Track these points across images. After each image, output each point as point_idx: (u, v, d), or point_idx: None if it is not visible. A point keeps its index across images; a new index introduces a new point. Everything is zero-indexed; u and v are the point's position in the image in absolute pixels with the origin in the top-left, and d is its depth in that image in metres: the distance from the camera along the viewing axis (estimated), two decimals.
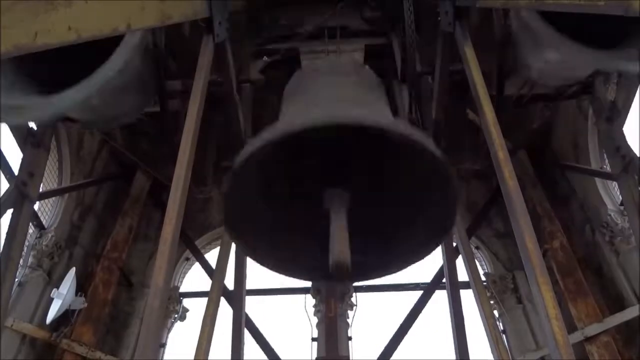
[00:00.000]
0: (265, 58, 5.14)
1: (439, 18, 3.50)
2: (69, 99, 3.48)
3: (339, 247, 2.42)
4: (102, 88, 3.57)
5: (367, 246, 2.95)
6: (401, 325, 6.98)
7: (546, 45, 3.83)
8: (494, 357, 4.02)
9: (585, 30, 3.61)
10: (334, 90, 3.69)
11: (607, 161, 6.38)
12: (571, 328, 5.99)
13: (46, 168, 5.96)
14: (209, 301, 3.71)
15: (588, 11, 1.84)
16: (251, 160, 2.58)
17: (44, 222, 6.62)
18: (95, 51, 3.45)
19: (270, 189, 2.98)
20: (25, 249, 5.88)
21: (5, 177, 5.32)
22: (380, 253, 3.05)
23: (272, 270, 3.15)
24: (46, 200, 6.69)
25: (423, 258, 3.01)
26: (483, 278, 7.06)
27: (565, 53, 3.77)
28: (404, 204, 2.94)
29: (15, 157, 5.47)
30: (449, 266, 4.24)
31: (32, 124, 5.64)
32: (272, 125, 2.61)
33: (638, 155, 4.69)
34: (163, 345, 7.40)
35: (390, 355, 6.78)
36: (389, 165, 2.95)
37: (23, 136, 5.45)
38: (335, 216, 2.62)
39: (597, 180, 6.67)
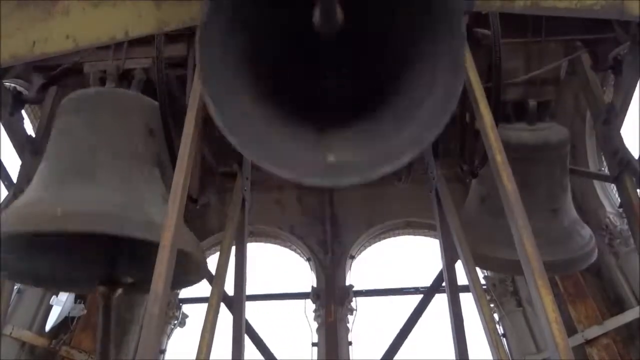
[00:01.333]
0: None
1: None
2: None
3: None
4: None
5: (360, 142, 2.67)
6: (401, 330, 6.96)
7: None
8: None
9: None
10: None
11: (605, 163, 6.40)
12: (571, 331, 5.99)
13: None
14: (208, 307, 3.69)
15: (584, 15, 1.85)
16: None
17: None
18: None
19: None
20: None
21: (4, 184, 5.32)
22: (376, 149, 2.71)
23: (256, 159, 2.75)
24: None
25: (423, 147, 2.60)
26: (483, 281, 7.07)
27: None
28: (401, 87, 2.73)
29: (13, 165, 5.47)
30: (448, 270, 4.23)
31: (30, 131, 5.64)
32: None
33: (636, 158, 4.69)
34: (163, 352, 7.39)
35: None
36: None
37: (22, 143, 5.45)
38: None
39: (596, 183, 6.68)
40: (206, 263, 3.98)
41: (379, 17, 2.81)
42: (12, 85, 5.34)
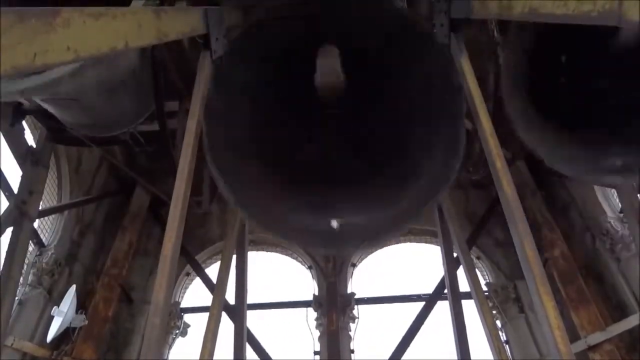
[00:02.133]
0: None
1: (435, 30, 3.53)
2: (58, 70, 3.46)
3: (328, 62, 2.13)
4: (95, 69, 3.49)
5: (365, 206, 2.71)
6: (403, 337, 6.95)
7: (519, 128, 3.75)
8: None
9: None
10: None
11: None
12: (574, 337, 5.97)
13: (45, 185, 5.98)
14: (210, 316, 3.69)
15: (581, 22, 1.86)
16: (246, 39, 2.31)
17: (43, 240, 6.62)
18: None
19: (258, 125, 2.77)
20: (25, 266, 5.87)
21: (5, 195, 5.34)
22: (381, 213, 2.77)
23: (264, 228, 2.79)
24: (46, 218, 6.70)
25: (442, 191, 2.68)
26: (485, 288, 7.05)
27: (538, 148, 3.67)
28: (403, 150, 2.75)
29: (14, 176, 5.49)
30: (450, 277, 4.23)
31: (31, 143, 5.66)
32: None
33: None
34: None
35: None
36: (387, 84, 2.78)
37: (22, 154, 5.47)
38: (324, 51, 2.38)
39: (597, 188, 6.68)
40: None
41: (378, 83, 2.84)
42: None
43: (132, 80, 4.30)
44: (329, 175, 2.77)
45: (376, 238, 2.60)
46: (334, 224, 2.50)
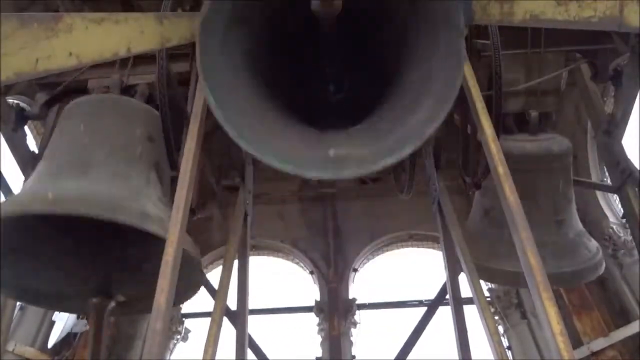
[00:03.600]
0: None
1: None
2: None
3: None
4: None
5: (361, 136, 2.63)
6: (405, 343, 6.92)
7: None
8: None
9: None
10: None
11: (607, 174, 6.40)
12: (577, 343, 5.95)
13: None
14: (211, 321, 3.68)
15: (582, 27, 1.86)
16: None
17: None
18: None
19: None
20: None
21: (7, 199, 5.33)
22: (377, 142, 2.62)
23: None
24: None
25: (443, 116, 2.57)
26: (487, 294, 7.03)
27: None
28: (401, 84, 2.75)
29: (17, 181, 5.49)
30: (452, 282, 4.21)
31: (33, 147, 5.66)
32: None
33: (638, 168, 4.69)
34: None
35: None
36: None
37: (24, 159, 5.47)
38: None
39: (598, 194, 6.67)
40: (203, 273, 3.97)
41: (377, 9, 2.81)
42: (16, 101, 5.38)
43: None
44: (324, 109, 2.73)
45: (373, 163, 2.45)
46: (332, 152, 2.44)
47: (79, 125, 3.45)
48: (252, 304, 4.43)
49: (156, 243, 2.92)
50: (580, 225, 4.70)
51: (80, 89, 4.35)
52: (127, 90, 4.22)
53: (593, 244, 4.63)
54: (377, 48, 2.91)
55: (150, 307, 2.11)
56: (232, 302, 4.30)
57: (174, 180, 3.00)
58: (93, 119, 3.52)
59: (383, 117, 2.72)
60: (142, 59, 4.04)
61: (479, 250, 4.27)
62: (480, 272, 3.93)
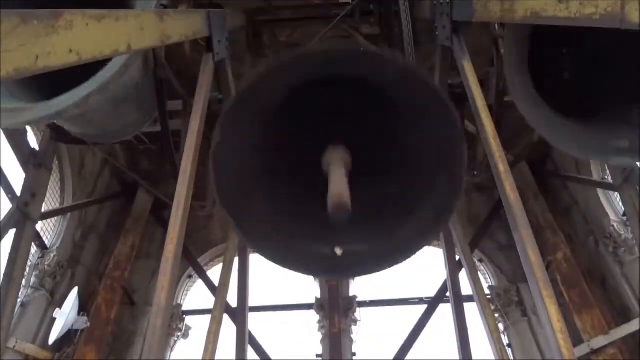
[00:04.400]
0: None
1: (437, 33, 3.53)
2: (64, 101, 3.47)
3: (337, 187, 2.26)
4: (99, 94, 3.55)
5: (371, 234, 2.81)
6: (406, 340, 6.94)
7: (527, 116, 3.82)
8: None
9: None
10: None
11: (608, 172, 6.39)
12: (577, 341, 5.95)
13: (48, 188, 5.98)
14: (212, 318, 3.69)
15: (583, 24, 1.86)
16: (245, 97, 2.43)
17: (46, 242, 6.62)
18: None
19: (266, 164, 2.84)
20: (27, 269, 5.88)
21: (8, 197, 5.34)
22: (388, 238, 2.90)
23: (274, 262, 2.96)
24: (48, 220, 6.70)
25: (436, 234, 2.80)
26: (487, 291, 7.03)
27: (546, 132, 3.77)
28: (407, 174, 2.85)
29: (17, 178, 5.50)
30: (453, 280, 4.21)
31: (34, 145, 5.67)
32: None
33: (639, 166, 4.69)
34: None
35: None
36: (388, 123, 2.86)
37: (25, 157, 5.48)
38: (333, 167, 2.50)
39: (599, 191, 6.67)
40: None
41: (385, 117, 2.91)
42: None
43: (135, 93, 4.33)
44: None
45: (380, 265, 2.77)
46: (338, 251, 2.60)
47: None
48: (252, 301, 4.43)
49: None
50: None
51: None
52: None
53: None
54: (382, 145, 3.03)
55: None
56: (232, 300, 4.31)
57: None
58: None
59: (389, 214, 2.88)
60: None
61: None
62: None
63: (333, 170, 2.50)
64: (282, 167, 2.95)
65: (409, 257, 2.87)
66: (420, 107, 2.58)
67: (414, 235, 2.82)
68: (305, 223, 2.91)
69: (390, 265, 2.86)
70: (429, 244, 2.72)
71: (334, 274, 2.64)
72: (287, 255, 2.95)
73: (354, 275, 2.51)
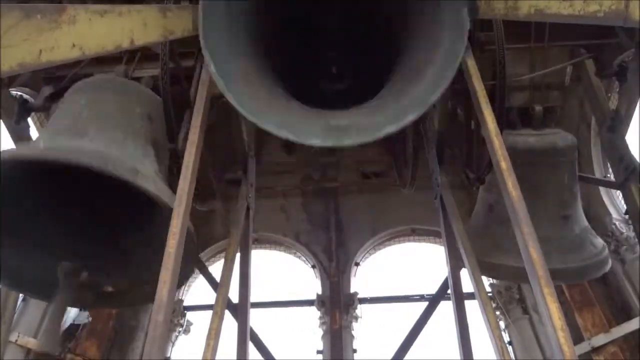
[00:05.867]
0: None
1: None
2: None
3: None
4: None
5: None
6: (406, 337, 6.93)
7: None
8: None
9: None
10: None
11: (610, 170, 6.38)
12: (578, 338, 5.96)
13: None
14: (213, 314, 3.69)
15: (587, 22, 1.85)
16: None
17: None
18: None
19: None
20: None
21: None
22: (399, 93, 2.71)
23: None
24: None
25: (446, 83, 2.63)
26: (488, 289, 7.04)
27: None
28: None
29: None
30: (454, 277, 4.21)
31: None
32: None
33: None
34: (167, 359, 7.38)
35: None
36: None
37: None
38: None
39: (601, 189, 6.65)
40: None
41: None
42: (19, 93, 5.38)
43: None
44: (325, 79, 2.75)
45: (375, 130, 2.44)
46: (333, 121, 2.42)
47: (81, 99, 3.47)
48: (253, 297, 4.44)
49: (150, 219, 2.86)
50: (585, 222, 4.69)
51: None
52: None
53: (599, 241, 4.61)
54: (379, 27, 2.92)
55: (135, 300, 2.09)
56: (234, 295, 4.32)
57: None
58: (96, 94, 3.53)
59: (386, 93, 2.71)
60: (148, 56, 4.05)
61: (483, 245, 4.27)
62: (484, 267, 3.93)
63: None
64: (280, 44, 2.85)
65: (406, 122, 2.58)
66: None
67: (410, 104, 2.61)
68: (299, 94, 2.78)
69: (385, 131, 2.52)
70: (424, 111, 2.45)
71: (325, 140, 2.35)
72: (275, 118, 2.53)
73: (346, 143, 2.18)
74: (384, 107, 2.56)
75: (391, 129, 2.34)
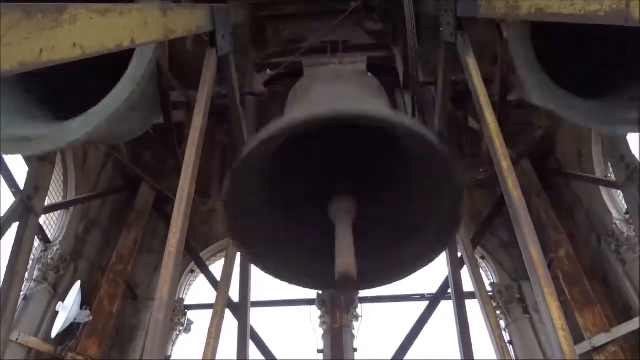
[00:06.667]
0: (268, 71, 5.15)
1: (441, 29, 3.53)
2: (75, 131, 3.50)
3: (345, 258, 2.39)
4: (109, 121, 3.62)
5: (371, 252, 2.90)
6: (407, 336, 6.94)
7: (533, 94, 3.92)
8: None
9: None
10: (335, 90, 3.69)
11: (611, 170, 6.38)
12: (578, 338, 5.95)
13: (51, 181, 6.00)
14: (214, 313, 3.70)
15: (588, 21, 1.85)
16: (252, 156, 2.54)
17: (49, 236, 6.64)
18: (104, 68, 3.51)
19: (273, 194, 2.95)
20: (30, 262, 5.89)
21: (11, 191, 5.36)
22: (385, 259, 3.02)
23: (277, 277, 3.10)
24: (51, 214, 6.72)
25: (430, 262, 2.96)
26: (489, 288, 7.03)
27: (554, 105, 3.86)
28: (408, 207, 2.93)
29: (20, 171, 5.51)
30: (454, 276, 4.21)
31: None
32: (274, 121, 2.52)
33: None
34: (168, 358, 7.39)
35: None
36: (391, 166, 2.95)
37: None
38: (340, 226, 2.60)
39: (602, 189, 6.65)
40: None
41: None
42: None
43: (142, 101, 4.36)
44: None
45: (380, 280, 2.95)
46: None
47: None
48: (254, 296, 4.44)
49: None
50: None
51: None
52: None
53: None
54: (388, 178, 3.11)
55: None
56: (234, 295, 4.32)
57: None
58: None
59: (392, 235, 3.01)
60: None
61: None
62: None
63: (339, 233, 2.56)
64: (288, 201, 3.05)
65: (412, 273, 3.02)
66: (423, 158, 2.65)
67: (417, 254, 2.96)
68: (312, 244, 3.03)
69: (393, 281, 3.05)
70: (432, 260, 2.92)
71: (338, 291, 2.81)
72: (294, 274, 3.12)
73: (357, 290, 2.80)
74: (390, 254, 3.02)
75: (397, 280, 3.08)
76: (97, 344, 6.39)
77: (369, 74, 4.68)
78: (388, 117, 2.49)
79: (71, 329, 6.22)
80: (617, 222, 6.36)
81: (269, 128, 2.45)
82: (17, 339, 5.71)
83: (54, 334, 6.04)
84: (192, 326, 7.90)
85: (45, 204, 5.84)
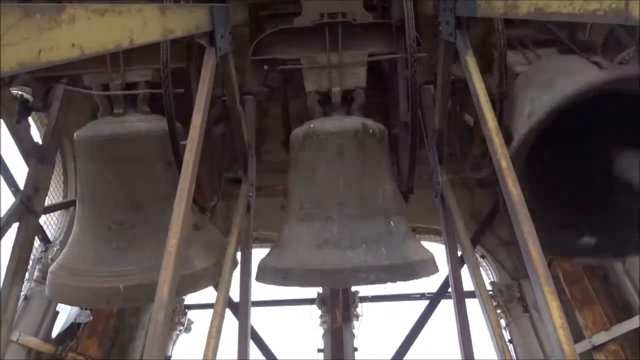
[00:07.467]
0: (265, 67, 5.12)
1: (440, 28, 3.53)
2: None
3: None
4: None
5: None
6: (407, 336, 6.94)
7: None
8: None
9: None
10: None
11: None
12: (579, 337, 5.95)
13: (51, 181, 6.00)
14: (214, 313, 3.69)
15: (587, 20, 1.85)
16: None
17: (49, 236, 6.64)
18: None
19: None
20: (30, 262, 5.90)
21: (11, 191, 5.36)
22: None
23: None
24: (51, 214, 6.72)
25: None
26: (489, 287, 7.04)
27: None
28: None
29: (20, 172, 5.50)
30: (454, 276, 4.21)
31: (37, 138, 5.67)
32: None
33: None
34: (168, 358, 7.39)
35: None
36: None
37: (28, 151, 5.49)
38: None
39: None
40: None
41: None
42: (19, 92, 5.38)
43: None
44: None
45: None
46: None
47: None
48: (254, 296, 4.44)
49: None
50: None
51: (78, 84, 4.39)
52: (129, 87, 4.27)
53: None
54: None
55: None
56: (234, 294, 4.32)
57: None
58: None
59: None
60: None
61: None
62: None
63: None
64: None
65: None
66: None
67: None
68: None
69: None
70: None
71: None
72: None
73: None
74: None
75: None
76: (97, 343, 6.40)
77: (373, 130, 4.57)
78: None
79: (71, 329, 6.23)
80: None
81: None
82: (18, 339, 5.72)
83: (54, 334, 6.05)
84: (193, 326, 7.91)
85: (45, 204, 5.84)
